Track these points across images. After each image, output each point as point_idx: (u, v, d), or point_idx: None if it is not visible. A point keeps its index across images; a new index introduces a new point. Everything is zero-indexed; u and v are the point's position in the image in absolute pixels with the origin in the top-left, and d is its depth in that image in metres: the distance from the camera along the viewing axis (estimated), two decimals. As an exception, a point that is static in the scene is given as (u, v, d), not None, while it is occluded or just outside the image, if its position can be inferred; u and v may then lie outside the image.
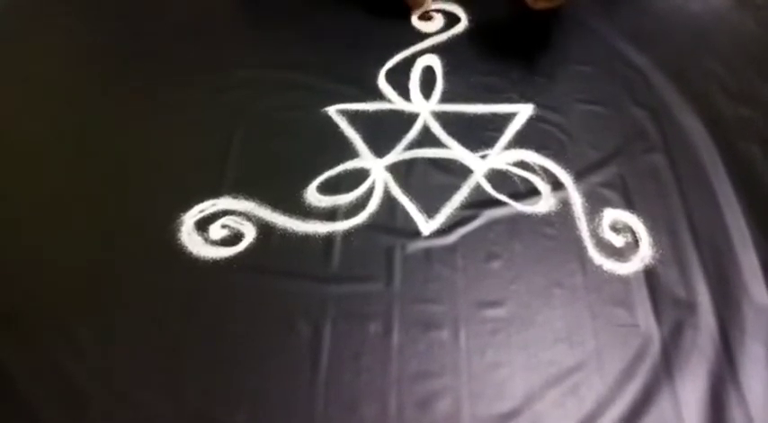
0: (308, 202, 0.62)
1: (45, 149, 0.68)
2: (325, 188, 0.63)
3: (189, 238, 0.60)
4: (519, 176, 0.64)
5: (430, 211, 0.61)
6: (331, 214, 0.61)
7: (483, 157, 0.65)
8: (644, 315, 0.54)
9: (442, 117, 0.69)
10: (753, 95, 0.70)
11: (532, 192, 0.62)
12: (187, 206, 0.62)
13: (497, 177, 0.63)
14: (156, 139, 0.68)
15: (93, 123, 0.70)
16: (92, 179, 0.65)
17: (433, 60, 0.74)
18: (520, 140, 0.67)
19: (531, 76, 0.72)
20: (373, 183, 0.63)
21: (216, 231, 0.60)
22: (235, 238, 0.60)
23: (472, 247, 0.59)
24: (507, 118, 0.68)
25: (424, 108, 0.69)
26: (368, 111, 0.70)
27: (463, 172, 0.64)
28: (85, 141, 0.69)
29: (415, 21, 0.79)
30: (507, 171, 0.64)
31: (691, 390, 0.50)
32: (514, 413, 0.50)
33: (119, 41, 0.79)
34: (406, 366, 0.52)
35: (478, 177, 0.63)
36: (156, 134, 0.68)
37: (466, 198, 0.62)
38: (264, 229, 0.60)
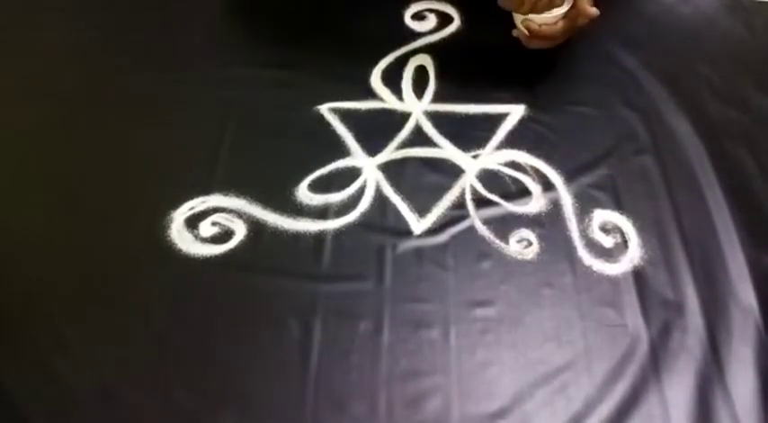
0: (299, 200, 0.62)
1: (32, 146, 0.68)
2: (317, 186, 0.63)
3: (179, 235, 0.59)
4: (510, 177, 0.64)
5: (421, 211, 0.61)
6: (322, 213, 0.61)
7: (475, 157, 0.65)
8: (632, 315, 0.55)
9: (434, 117, 0.69)
10: (742, 98, 0.71)
11: (523, 192, 0.63)
12: (177, 203, 0.61)
13: (489, 177, 0.64)
14: (146, 135, 0.68)
15: (82, 119, 0.69)
16: (80, 175, 0.65)
17: (426, 60, 0.74)
18: (511, 141, 0.67)
19: (522, 77, 0.72)
20: (365, 182, 0.63)
21: (206, 229, 0.60)
22: (225, 235, 0.60)
23: (463, 247, 0.59)
24: (499, 118, 0.68)
25: (417, 107, 0.69)
26: (360, 109, 0.69)
27: (455, 172, 0.64)
28: (74, 137, 0.68)
29: (408, 20, 0.78)
30: (498, 171, 0.64)
31: (678, 390, 0.51)
32: (503, 412, 0.50)
33: (108, 37, 0.79)
34: (396, 365, 0.52)
35: (470, 177, 0.64)
36: (147, 130, 0.68)
37: (457, 198, 0.62)
38: (255, 226, 0.60)
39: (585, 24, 0.64)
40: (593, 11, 0.63)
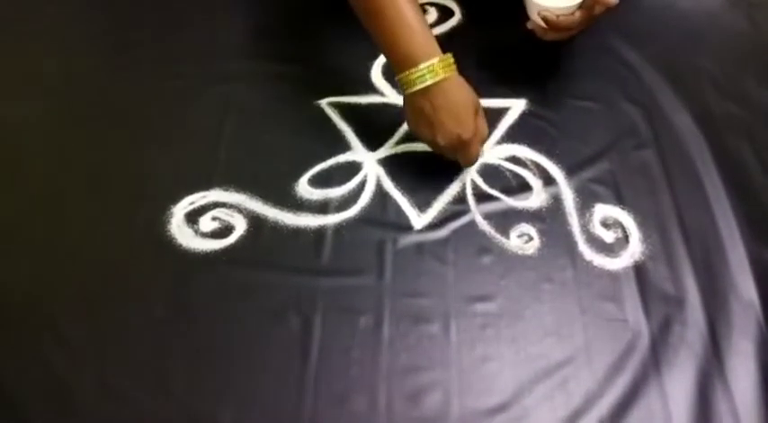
0: (299, 194, 0.62)
1: (32, 141, 0.68)
2: (317, 181, 0.63)
3: (179, 230, 0.59)
4: (511, 171, 0.64)
5: (422, 206, 0.61)
6: (322, 207, 0.61)
7: (475, 151, 0.65)
8: (633, 310, 0.55)
9: (434, 111, 0.68)
10: (743, 93, 0.71)
11: (524, 187, 0.63)
12: (177, 198, 0.61)
13: (489, 172, 0.63)
14: (146, 130, 0.68)
15: (81, 116, 0.69)
16: (80, 170, 0.65)
17: (427, 54, 0.73)
18: (512, 136, 0.67)
19: (523, 72, 0.72)
20: (365, 176, 0.63)
21: (206, 223, 0.60)
22: (225, 230, 0.60)
23: (463, 242, 0.59)
24: (500, 113, 0.68)
25: (417, 102, 0.69)
26: (360, 104, 0.69)
27: (455, 166, 0.64)
28: (74, 132, 0.68)
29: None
30: (499, 166, 0.64)
31: (678, 384, 0.51)
32: (503, 407, 0.50)
33: (108, 31, 0.79)
34: (396, 360, 0.52)
35: (471, 172, 0.63)
36: (147, 125, 0.68)
37: (458, 192, 0.62)
38: (255, 221, 0.60)
39: (602, 13, 0.61)
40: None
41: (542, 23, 0.63)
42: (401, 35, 0.56)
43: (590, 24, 0.63)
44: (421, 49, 0.56)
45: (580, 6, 0.62)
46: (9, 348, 0.53)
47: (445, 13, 0.78)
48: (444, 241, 0.59)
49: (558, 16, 0.62)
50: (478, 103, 0.59)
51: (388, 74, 0.71)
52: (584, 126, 0.67)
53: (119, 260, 0.58)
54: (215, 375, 0.51)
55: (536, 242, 0.59)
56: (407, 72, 0.56)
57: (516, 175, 0.63)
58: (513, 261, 0.58)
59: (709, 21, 0.79)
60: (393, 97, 0.70)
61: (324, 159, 0.64)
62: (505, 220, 0.60)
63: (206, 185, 0.62)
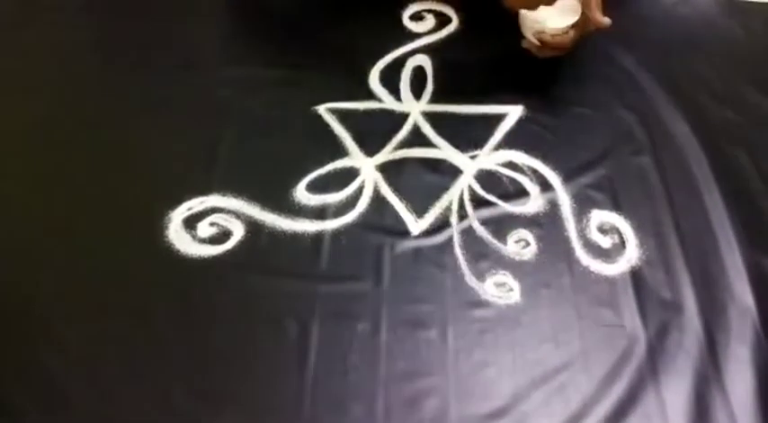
0: (297, 200, 0.62)
1: (29, 146, 0.68)
2: (315, 187, 0.63)
3: (177, 235, 0.59)
4: (508, 177, 0.64)
5: (419, 211, 0.61)
6: (320, 213, 0.61)
7: (472, 157, 0.65)
8: (630, 316, 0.55)
9: (432, 117, 0.69)
10: (739, 99, 0.71)
11: (521, 192, 0.63)
12: (175, 203, 0.61)
13: (487, 178, 0.64)
14: (144, 135, 0.68)
15: (80, 119, 0.69)
16: (78, 175, 0.64)
17: (424, 60, 0.74)
18: (509, 141, 0.67)
19: (520, 78, 0.72)
20: (363, 182, 0.63)
21: (204, 229, 0.60)
22: (223, 235, 0.60)
23: (461, 248, 0.59)
24: (497, 119, 0.68)
25: (415, 108, 0.69)
26: (358, 110, 0.69)
27: (452, 172, 0.64)
28: (72, 138, 0.68)
29: (406, 21, 0.78)
30: (496, 172, 0.64)
31: (676, 390, 0.51)
32: (501, 413, 0.50)
33: (106, 37, 0.79)
34: (394, 366, 0.52)
35: (468, 178, 0.64)
36: (145, 131, 0.68)
37: (455, 198, 0.62)
38: (253, 227, 0.60)
39: (594, 32, 0.64)
40: (606, 21, 0.62)
41: (537, 43, 0.65)
42: None
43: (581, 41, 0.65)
44: None
45: (574, 25, 0.63)
46: (6, 353, 0.53)
47: (443, 20, 0.79)
48: (442, 247, 0.59)
49: (552, 36, 0.64)
50: None
51: (386, 80, 0.72)
52: (581, 132, 0.68)
53: (116, 265, 0.58)
54: (213, 381, 0.51)
55: (533, 248, 0.59)
56: None
57: (513, 181, 0.64)
58: (510, 266, 0.58)
59: (704, 27, 0.80)
60: (391, 103, 0.70)
61: (322, 165, 0.64)
62: (502, 226, 0.60)
63: (204, 191, 0.62)
